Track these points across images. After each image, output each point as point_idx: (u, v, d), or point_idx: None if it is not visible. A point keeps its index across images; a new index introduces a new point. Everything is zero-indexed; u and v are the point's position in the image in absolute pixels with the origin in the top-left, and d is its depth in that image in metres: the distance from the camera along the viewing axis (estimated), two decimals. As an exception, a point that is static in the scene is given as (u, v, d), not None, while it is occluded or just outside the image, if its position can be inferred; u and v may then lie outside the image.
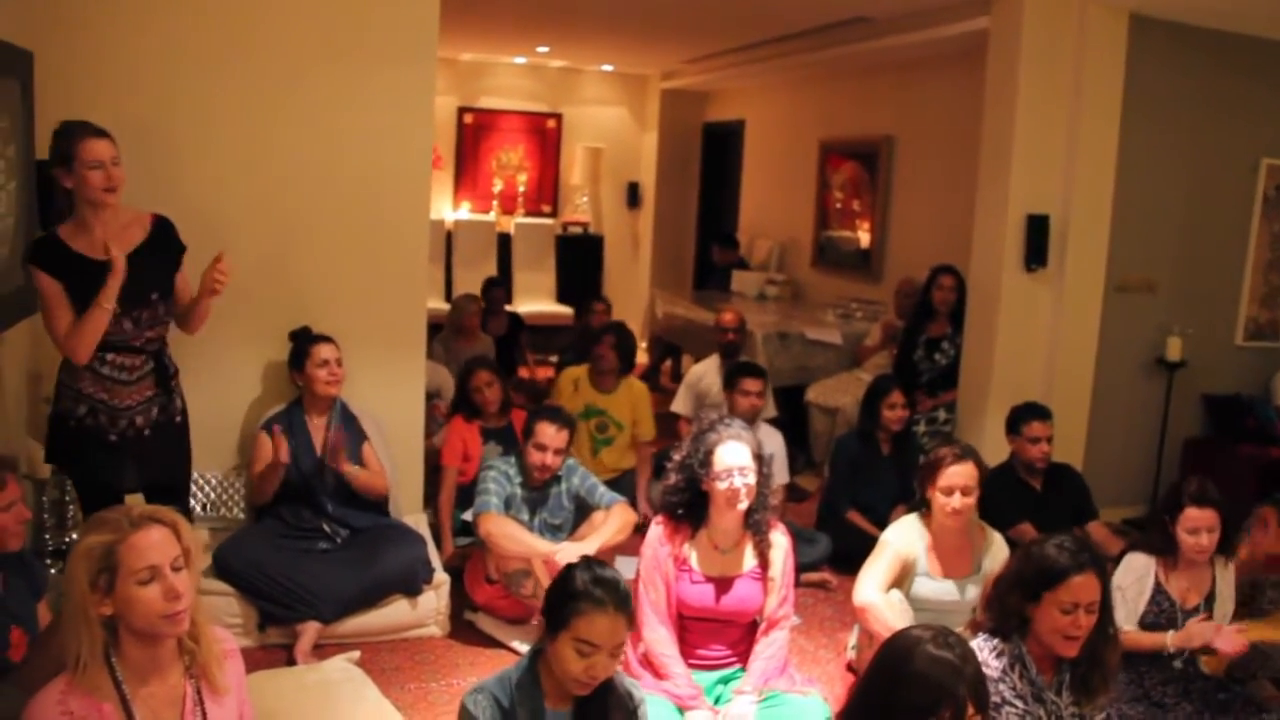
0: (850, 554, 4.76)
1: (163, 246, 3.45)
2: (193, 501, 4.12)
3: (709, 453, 3.27)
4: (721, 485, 3.24)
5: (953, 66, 7.08)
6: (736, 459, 3.24)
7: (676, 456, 3.41)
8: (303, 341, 4.25)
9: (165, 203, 3.45)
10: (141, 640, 2.08)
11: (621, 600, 2.32)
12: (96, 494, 3.33)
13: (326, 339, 4.25)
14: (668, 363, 9.29)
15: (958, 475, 3.57)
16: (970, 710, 1.84)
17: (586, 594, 2.31)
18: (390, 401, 4.62)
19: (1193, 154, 5.92)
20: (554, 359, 8.55)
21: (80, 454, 3.40)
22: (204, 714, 2.15)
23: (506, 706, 2.35)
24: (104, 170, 3.24)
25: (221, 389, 4.30)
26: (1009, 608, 2.62)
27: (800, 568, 3.92)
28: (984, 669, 2.47)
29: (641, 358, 9.40)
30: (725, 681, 3.36)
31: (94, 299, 3.24)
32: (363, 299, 4.54)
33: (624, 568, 4.38)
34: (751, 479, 3.25)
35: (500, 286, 8.09)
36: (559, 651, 2.31)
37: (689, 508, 3.35)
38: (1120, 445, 5.97)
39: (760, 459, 3.31)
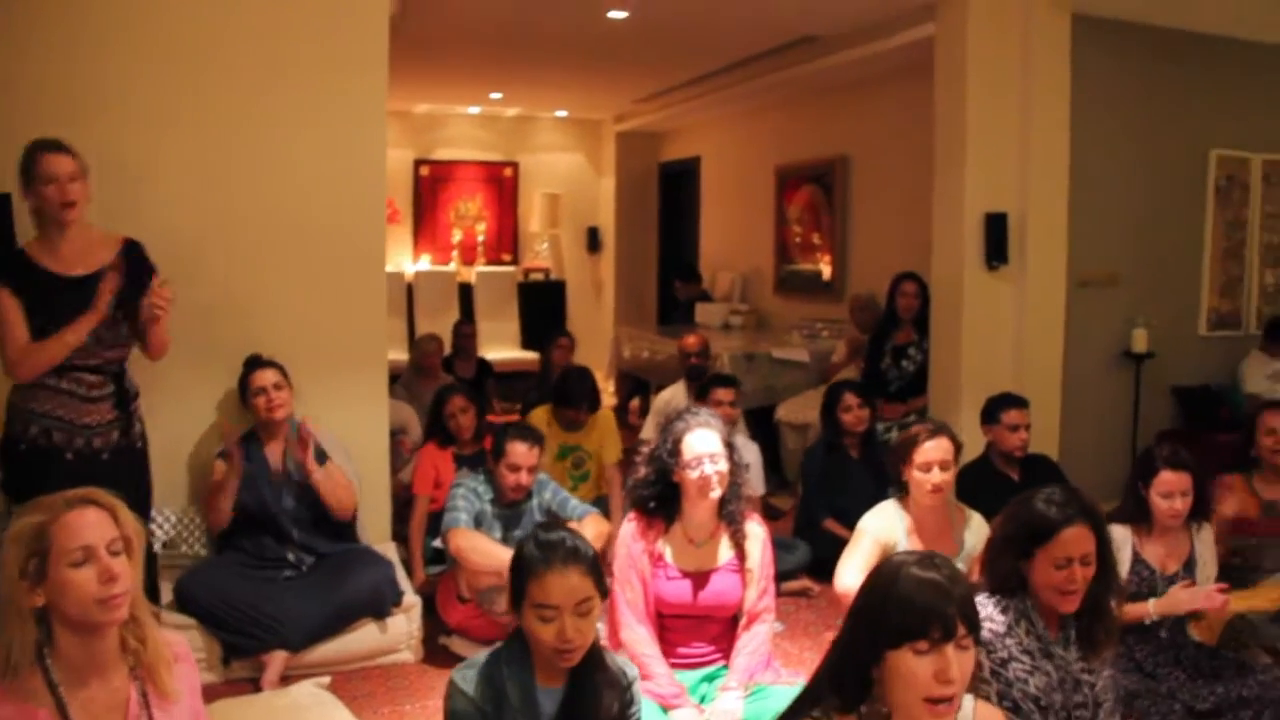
0: (829, 563, 4.63)
1: (131, 268, 3.39)
2: (150, 539, 3.97)
3: (677, 441, 3.19)
4: (692, 474, 3.15)
5: (903, 82, 7.13)
6: (706, 446, 3.15)
7: (645, 450, 3.32)
8: (244, 370, 4.13)
9: (120, 225, 3.39)
10: (78, 634, 1.95)
11: (568, 555, 2.24)
12: None
13: (268, 365, 4.10)
14: (635, 401, 9.20)
15: (934, 450, 3.53)
16: (961, 630, 1.74)
17: (532, 558, 2.25)
18: (355, 429, 4.50)
19: (1145, 148, 5.97)
20: (519, 407, 8.43)
21: (34, 478, 3.27)
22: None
23: (497, 684, 2.27)
24: (59, 185, 3.20)
25: (178, 421, 4.16)
26: (1003, 569, 2.53)
27: (780, 576, 3.84)
28: (989, 624, 2.39)
29: (609, 399, 9.32)
30: (709, 680, 3.25)
31: (55, 315, 3.20)
32: (323, 326, 4.44)
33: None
34: (723, 465, 3.16)
35: (469, 327, 7.98)
36: (528, 626, 2.24)
37: (660, 501, 3.26)
38: (1093, 439, 5.93)
39: (730, 446, 3.23)
